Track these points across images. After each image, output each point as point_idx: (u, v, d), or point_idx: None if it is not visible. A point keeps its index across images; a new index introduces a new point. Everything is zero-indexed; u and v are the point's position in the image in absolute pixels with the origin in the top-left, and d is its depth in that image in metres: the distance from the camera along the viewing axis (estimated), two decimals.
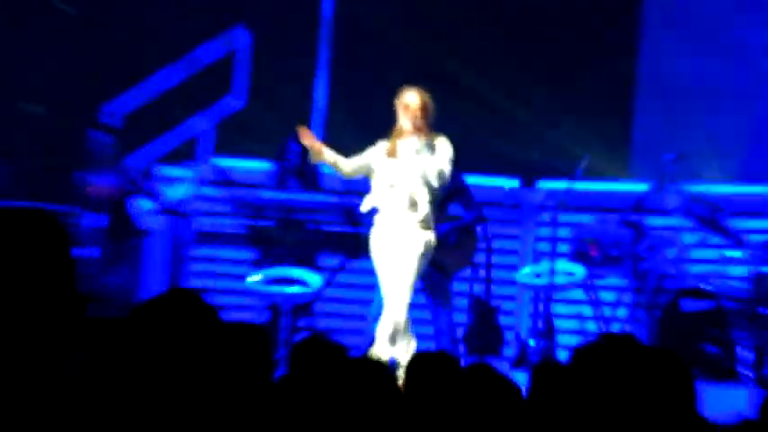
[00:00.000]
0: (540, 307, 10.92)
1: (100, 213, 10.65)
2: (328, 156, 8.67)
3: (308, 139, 8.69)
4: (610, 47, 12.42)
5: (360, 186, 8.79)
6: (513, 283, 11.26)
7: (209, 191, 11.49)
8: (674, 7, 12.46)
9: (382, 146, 8.59)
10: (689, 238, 10.72)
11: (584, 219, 11.08)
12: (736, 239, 10.36)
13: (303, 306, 10.20)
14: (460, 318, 10.43)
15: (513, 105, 12.10)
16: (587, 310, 11.09)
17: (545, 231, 11.40)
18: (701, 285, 10.20)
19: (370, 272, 8.67)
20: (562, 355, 9.84)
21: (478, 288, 10.77)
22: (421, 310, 9.59)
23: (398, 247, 8.46)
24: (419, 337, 8.75)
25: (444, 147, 8.52)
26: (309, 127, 9.06)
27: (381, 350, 8.25)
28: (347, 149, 8.73)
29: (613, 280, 10.96)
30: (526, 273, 11.11)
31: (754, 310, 9.84)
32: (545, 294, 10.86)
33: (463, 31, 12.15)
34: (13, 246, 2.69)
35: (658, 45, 12.58)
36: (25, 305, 2.64)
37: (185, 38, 12.37)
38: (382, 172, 8.53)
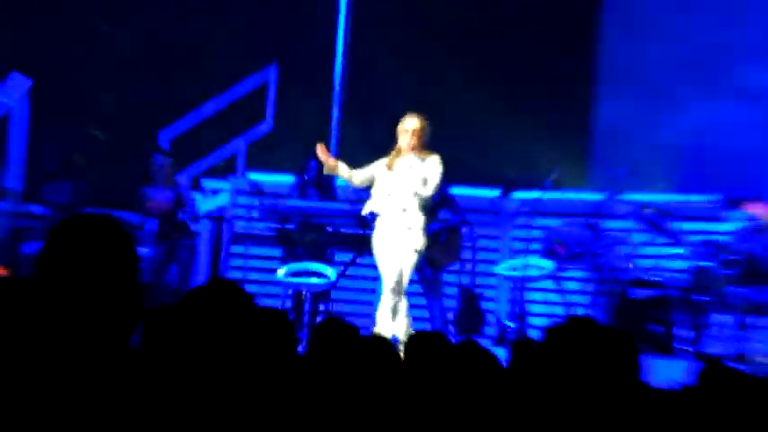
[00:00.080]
0: (517, 295, 10.92)
1: (158, 220, 10.64)
2: (342, 169, 8.70)
3: (324, 155, 8.71)
4: (569, 80, 12.40)
5: (367, 197, 8.80)
6: (493, 275, 11.24)
7: (243, 200, 11.50)
8: (633, 15, 12.37)
9: (384, 161, 8.61)
10: (638, 237, 10.69)
11: (552, 222, 11.06)
12: (676, 239, 10.35)
13: (321, 294, 10.17)
14: (450, 304, 10.42)
15: (494, 130, 12.07)
16: (555, 298, 11.07)
17: (520, 233, 11.38)
18: (648, 277, 10.18)
19: (376, 266, 8.69)
20: (534, 334, 9.82)
21: (465, 279, 10.75)
22: (417, 297, 9.61)
23: (394, 245, 8.48)
24: (416, 320, 8.77)
25: (435, 164, 8.51)
26: (326, 146, 9.02)
27: (382, 329, 8.27)
28: (357, 164, 8.76)
29: (576, 272, 10.95)
30: (504, 266, 11.09)
31: (691, 298, 9.83)
32: (520, 284, 10.86)
33: (454, 67, 12.12)
34: (88, 244, 2.69)
35: (614, 81, 12.56)
36: (97, 293, 2.64)
37: (226, 74, 12.37)
38: (381, 183, 8.56)
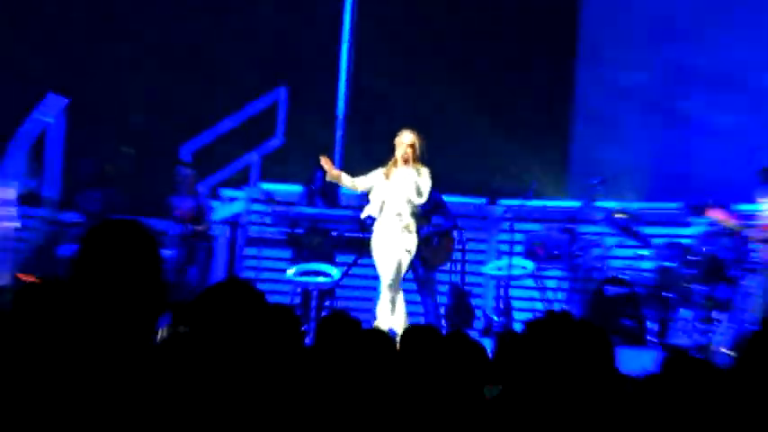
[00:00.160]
0: (501, 292, 10.92)
1: (181, 225, 10.65)
2: (345, 179, 8.78)
3: (328, 166, 8.76)
4: (550, 100, 12.43)
5: (367, 203, 8.82)
6: (481, 274, 11.25)
7: (257, 207, 11.48)
8: (609, 42, 12.39)
9: (382, 170, 8.67)
10: (610, 240, 10.69)
11: (533, 227, 11.06)
12: (645, 242, 10.36)
13: (327, 291, 10.18)
14: (442, 300, 10.42)
15: (481, 146, 12.09)
16: (536, 294, 11.06)
17: (504, 236, 11.37)
18: (620, 275, 10.19)
19: (375, 266, 8.71)
20: (517, 327, 9.83)
21: (456, 278, 10.76)
22: (413, 295, 9.61)
23: (390, 246, 8.53)
24: (411, 315, 8.78)
25: (425, 176, 8.60)
26: (330, 159, 9.04)
27: (382, 323, 8.28)
28: (358, 175, 8.82)
29: (555, 272, 10.94)
30: (491, 266, 11.11)
31: (658, 294, 9.83)
32: (505, 282, 10.86)
33: (445, 90, 12.13)
34: (118, 247, 2.70)
35: (585, 97, 12.57)
36: (126, 291, 2.65)
37: (241, 95, 12.39)
38: (379, 190, 8.62)
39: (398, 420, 3.23)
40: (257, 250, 11.11)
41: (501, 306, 10.75)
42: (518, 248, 10.89)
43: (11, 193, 10.64)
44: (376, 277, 8.83)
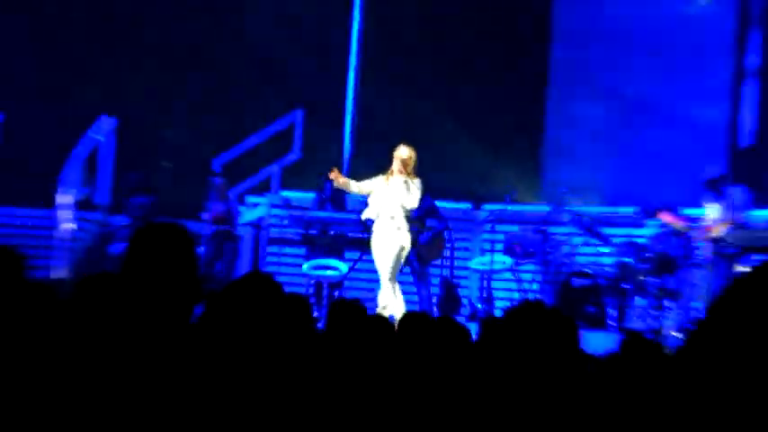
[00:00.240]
0: (484, 283, 10.91)
1: (213, 226, 10.65)
2: (352, 185, 8.79)
3: (336, 176, 8.78)
4: (526, 120, 12.44)
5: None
6: (467, 268, 11.23)
7: (277, 212, 11.49)
8: (575, 73, 12.42)
9: (381, 178, 8.69)
10: (576, 240, 10.69)
11: (512, 228, 11.06)
12: (606, 241, 10.35)
13: (336, 283, 10.17)
14: (435, 290, 10.41)
15: (467, 158, 12.09)
16: (513, 286, 11.06)
17: (487, 236, 11.38)
18: (584, 270, 10.18)
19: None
20: (498, 314, 9.82)
21: (446, 271, 10.75)
22: (409, 286, 9.60)
23: (385, 244, 8.54)
24: (408, 302, 8.77)
25: (416, 185, 8.61)
26: (339, 170, 9.05)
27: (383, 310, 8.28)
28: (363, 178, 8.84)
29: (530, 267, 10.93)
30: (475, 262, 11.10)
31: (617, 285, 9.82)
32: (487, 276, 10.85)
33: (437, 111, 12.14)
34: (160, 246, 2.70)
35: (558, 111, 12.58)
36: (167, 283, 2.65)
37: (264, 115, 12.41)
38: (377, 195, 8.65)
39: (396, 392, 3.23)
40: (277, 248, 11.11)
41: (484, 296, 10.74)
42: (499, 246, 10.89)
43: (69, 199, 10.65)
44: (377, 271, 8.82)
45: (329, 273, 10.09)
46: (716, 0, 11.97)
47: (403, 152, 8.63)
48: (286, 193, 11.80)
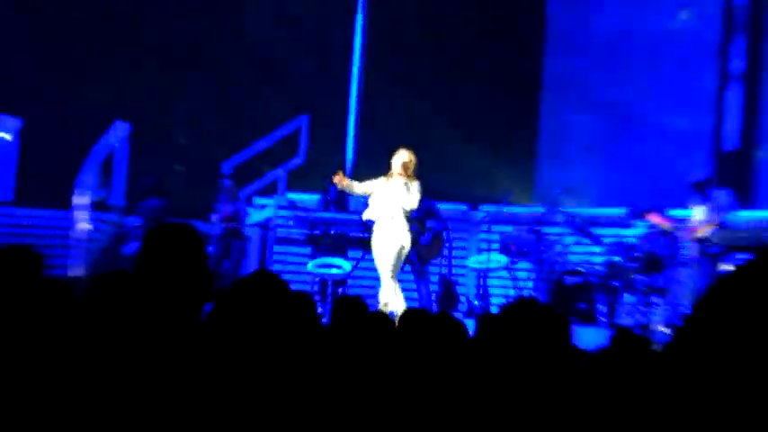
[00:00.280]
0: (481, 281, 10.91)
1: (219, 226, 10.64)
2: (355, 186, 8.76)
3: (339, 179, 8.76)
4: (522, 128, 12.47)
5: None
6: (465, 267, 11.23)
7: (283, 213, 11.49)
8: (568, 81, 12.45)
9: (382, 179, 8.67)
10: (569, 240, 10.69)
11: (507, 228, 11.06)
12: (597, 240, 10.35)
13: (340, 281, 10.17)
14: (434, 288, 10.40)
15: (465, 162, 12.10)
16: (509, 284, 11.06)
17: (483, 236, 11.38)
18: (576, 268, 10.18)
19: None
20: (494, 310, 9.82)
21: (444, 270, 10.74)
22: (409, 283, 9.59)
23: (386, 243, 8.52)
24: (408, 300, 8.76)
25: (415, 187, 8.58)
26: (343, 173, 9.05)
27: (384, 306, 8.27)
28: (365, 179, 8.84)
29: (524, 265, 10.93)
30: (472, 260, 11.09)
31: (607, 283, 9.82)
32: (483, 274, 10.85)
33: (436, 116, 12.16)
34: (172, 245, 2.70)
35: (552, 113, 12.59)
36: (179, 280, 2.65)
37: (271, 121, 12.42)
38: (378, 196, 8.62)
39: (397, 384, 3.23)
40: (284, 247, 11.11)
41: (480, 293, 10.73)
42: (495, 246, 10.88)
43: (85, 200, 10.66)
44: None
45: (333, 271, 10.09)
46: (701, 10, 11.98)
47: (403, 155, 8.62)
48: (292, 195, 11.79)
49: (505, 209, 10.81)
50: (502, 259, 10.66)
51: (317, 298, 9.74)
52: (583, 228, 10.31)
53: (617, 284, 9.74)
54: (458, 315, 7.89)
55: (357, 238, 10.17)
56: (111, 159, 11.29)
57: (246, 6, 12.45)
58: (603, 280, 9.84)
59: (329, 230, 10.42)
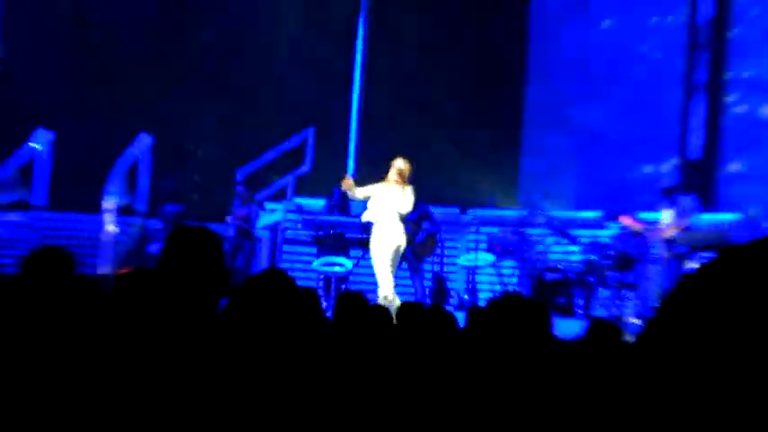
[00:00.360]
0: (470, 278, 10.91)
1: (233, 227, 10.64)
2: (358, 193, 8.78)
3: (346, 181, 8.79)
4: (505, 138, 12.49)
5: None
6: (455, 264, 11.22)
7: (291, 216, 11.49)
8: (546, 101, 12.48)
9: (380, 185, 8.69)
10: (549, 240, 10.70)
11: (494, 230, 11.06)
12: (574, 241, 10.36)
13: (342, 278, 10.16)
14: (428, 283, 10.39)
15: (455, 169, 12.12)
16: (495, 280, 11.06)
17: (472, 236, 11.37)
18: (556, 266, 10.19)
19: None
20: (482, 304, 9.81)
21: (437, 267, 10.74)
22: (406, 279, 9.58)
23: (383, 244, 8.54)
24: (404, 294, 8.75)
25: (409, 193, 8.61)
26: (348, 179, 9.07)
27: (382, 301, 8.26)
28: (366, 184, 8.84)
29: (509, 263, 10.93)
30: (462, 259, 11.08)
31: (583, 279, 9.83)
32: (472, 271, 10.85)
33: (429, 128, 12.17)
34: (192, 246, 2.71)
35: (531, 128, 12.60)
36: (198, 278, 2.66)
37: (281, 134, 12.43)
38: (376, 200, 8.64)
39: (395, 371, 3.23)
40: (291, 247, 11.10)
41: (470, 288, 10.73)
42: (482, 246, 10.88)
43: (112, 205, 10.67)
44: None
45: (336, 269, 10.08)
46: (665, 34, 12.01)
47: (400, 163, 8.65)
48: (299, 200, 11.79)
49: (492, 212, 10.80)
50: (489, 258, 10.66)
51: (321, 293, 9.73)
52: (561, 229, 10.32)
53: (592, 280, 9.75)
54: (449, 308, 7.89)
55: (358, 238, 10.17)
56: (136, 168, 11.29)
57: (261, 41, 12.48)
58: (580, 276, 9.86)
59: (333, 232, 10.41)
